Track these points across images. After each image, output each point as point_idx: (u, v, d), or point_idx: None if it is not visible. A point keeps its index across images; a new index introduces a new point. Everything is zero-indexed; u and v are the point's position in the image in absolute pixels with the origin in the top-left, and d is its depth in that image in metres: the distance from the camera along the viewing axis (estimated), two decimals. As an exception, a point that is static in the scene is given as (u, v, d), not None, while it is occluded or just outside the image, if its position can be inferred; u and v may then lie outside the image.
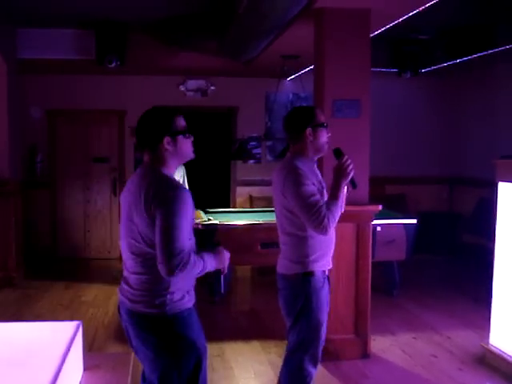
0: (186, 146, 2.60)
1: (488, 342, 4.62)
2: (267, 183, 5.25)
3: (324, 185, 3.20)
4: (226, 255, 2.68)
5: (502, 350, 4.45)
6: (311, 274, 3.10)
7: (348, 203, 3.66)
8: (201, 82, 8.78)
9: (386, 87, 8.50)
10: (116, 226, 8.77)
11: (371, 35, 4.81)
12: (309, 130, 3.11)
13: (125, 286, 2.64)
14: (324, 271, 3.17)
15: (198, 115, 9.54)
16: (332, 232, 3.14)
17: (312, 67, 6.33)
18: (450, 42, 7.06)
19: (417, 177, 9.12)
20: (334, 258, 4.54)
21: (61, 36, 7.01)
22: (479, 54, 6.71)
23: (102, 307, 6.16)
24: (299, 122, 3.16)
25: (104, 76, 8.38)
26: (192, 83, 8.77)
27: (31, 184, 8.38)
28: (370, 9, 4.59)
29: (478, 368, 4.52)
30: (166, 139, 2.52)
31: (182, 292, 2.52)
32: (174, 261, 2.35)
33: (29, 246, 8.25)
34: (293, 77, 8.42)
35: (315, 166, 3.24)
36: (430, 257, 8.35)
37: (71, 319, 3.12)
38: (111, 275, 7.69)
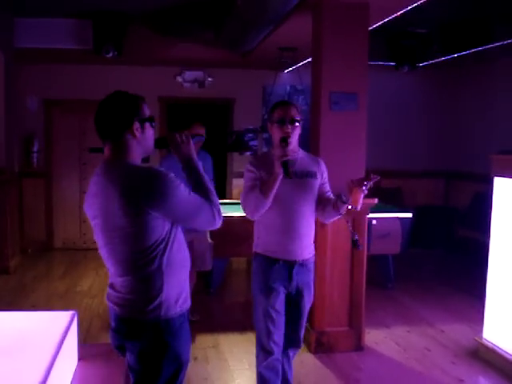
0: (151, 136, 2.37)
1: (481, 336, 4.65)
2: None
3: None
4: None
5: (496, 344, 4.47)
6: (255, 254, 3.32)
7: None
8: (198, 73, 8.77)
9: (383, 81, 8.50)
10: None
11: (369, 28, 4.81)
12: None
13: (113, 292, 2.36)
14: (268, 257, 3.22)
15: (194, 106, 9.55)
16: (280, 218, 3.18)
17: (309, 59, 6.33)
18: (447, 36, 7.05)
19: (413, 171, 9.14)
20: (330, 250, 4.55)
21: (58, 26, 6.97)
22: (476, 49, 6.71)
23: (97, 297, 6.17)
24: None
25: (101, 66, 8.36)
26: (189, 74, 8.75)
27: (27, 174, 8.38)
28: (368, 3, 4.58)
29: (471, 362, 4.55)
30: (136, 125, 2.28)
31: (176, 294, 2.31)
32: (214, 220, 2.37)
33: (24, 236, 8.25)
34: (290, 69, 8.41)
35: None
36: (425, 251, 8.38)
37: (66, 309, 3.13)
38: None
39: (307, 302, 3.32)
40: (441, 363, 4.52)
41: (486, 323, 4.61)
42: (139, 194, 2.16)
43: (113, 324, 2.38)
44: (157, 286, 2.25)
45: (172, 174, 2.23)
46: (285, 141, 3.10)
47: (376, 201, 4.62)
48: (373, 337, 5.02)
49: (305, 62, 7.54)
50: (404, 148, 9.12)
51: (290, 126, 3.16)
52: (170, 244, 2.28)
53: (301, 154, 3.29)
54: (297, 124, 3.18)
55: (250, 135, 8.91)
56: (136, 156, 2.32)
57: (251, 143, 8.93)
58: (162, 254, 2.25)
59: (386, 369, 4.45)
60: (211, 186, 2.43)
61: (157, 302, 2.25)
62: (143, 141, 2.33)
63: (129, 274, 2.27)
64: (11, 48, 7.04)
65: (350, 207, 3.13)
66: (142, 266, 2.24)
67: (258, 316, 3.26)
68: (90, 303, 5.96)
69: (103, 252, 2.37)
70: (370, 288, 4.92)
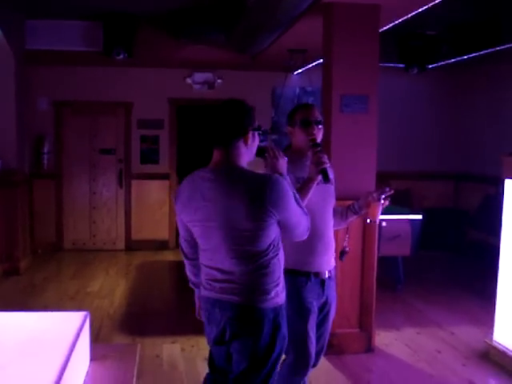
0: (256, 145, 2.56)
1: (492, 339, 4.63)
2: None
3: None
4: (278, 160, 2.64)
5: (506, 346, 4.46)
6: None
7: (354, 198, 3.68)
8: (208, 75, 8.79)
9: (392, 83, 8.48)
10: (121, 217, 8.81)
11: (380, 30, 4.81)
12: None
13: (228, 285, 2.47)
14: (298, 271, 3.11)
15: (204, 108, 9.56)
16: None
17: (319, 61, 6.34)
18: (456, 38, 7.04)
19: (422, 172, 9.12)
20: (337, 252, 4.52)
21: (69, 27, 7.01)
22: (486, 51, 6.69)
23: (107, 298, 6.20)
24: None
25: (111, 68, 8.40)
26: (199, 76, 8.77)
27: (38, 175, 8.42)
28: (379, 5, 4.58)
29: (482, 364, 4.54)
30: (249, 133, 2.47)
31: (282, 283, 2.54)
32: (307, 231, 2.56)
33: (35, 237, 8.29)
34: (300, 71, 8.41)
35: None
36: (435, 253, 8.36)
37: (77, 309, 3.14)
38: (116, 266, 7.76)
39: (333, 314, 3.23)
40: (451, 365, 4.51)
41: (497, 325, 4.59)
42: (265, 197, 2.33)
43: (229, 314, 2.48)
44: (275, 278, 2.47)
45: (287, 181, 2.46)
46: (317, 145, 2.92)
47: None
48: (383, 339, 5.02)
49: (315, 63, 7.55)
50: (414, 150, 9.10)
51: (315, 128, 3.01)
52: (280, 242, 2.52)
53: None
54: (320, 126, 3.05)
55: (261, 137, 8.90)
56: (244, 162, 2.49)
57: (261, 144, 8.92)
58: (278, 250, 2.49)
59: (397, 371, 4.45)
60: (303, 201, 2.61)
61: (274, 292, 2.46)
62: (251, 148, 2.52)
63: (252, 269, 2.43)
64: (22, 49, 7.09)
65: (368, 221, 3.10)
66: (264, 261, 2.43)
67: (295, 336, 2.98)
68: (100, 304, 5.99)
69: (215, 254, 2.49)
70: (379, 290, 4.91)
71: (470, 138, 9.01)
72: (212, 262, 2.53)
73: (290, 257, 2.92)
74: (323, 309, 3.13)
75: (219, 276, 2.51)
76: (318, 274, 3.06)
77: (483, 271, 6.83)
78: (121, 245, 8.86)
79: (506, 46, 6.46)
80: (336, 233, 3.22)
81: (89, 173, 8.78)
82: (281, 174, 2.57)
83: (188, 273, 2.82)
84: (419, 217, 6.33)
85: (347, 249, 3.28)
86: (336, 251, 3.22)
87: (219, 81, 8.82)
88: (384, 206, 3.03)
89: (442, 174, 9.23)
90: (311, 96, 8.71)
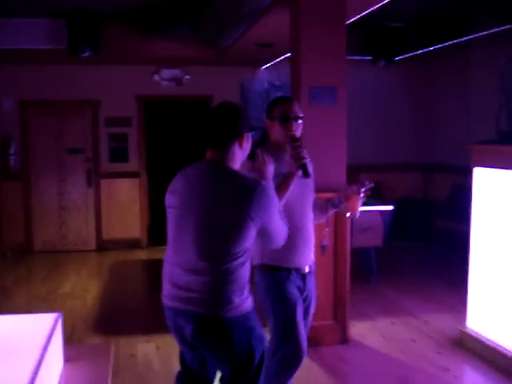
0: (249, 146, 2.58)
1: (465, 326, 4.69)
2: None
3: None
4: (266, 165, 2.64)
5: (479, 332, 4.52)
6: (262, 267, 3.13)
7: (326, 190, 3.69)
8: (175, 72, 8.72)
9: (360, 75, 8.52)
10: (91, 217, 8.70)
11: (346, 23, 4.82)
12: None
13: (190, 293, 2.43)
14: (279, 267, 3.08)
15: (172, 105, 9.52)
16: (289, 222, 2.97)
17: (287, 55, 6.33)
18: (423, 29, 7.10)
19: (392, 164, 9.19)
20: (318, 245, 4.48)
21: (32, 25, 6.88)
22: (452, 42, 6.76)
23: (79, 299, 6.12)
24: None
25: (77, 66, 8.28)
26: (166, 72, 8.70)
27: (5, 176, 8.28)
28: (345, -4, 4.60)
29: (456, 351, 4.59)
30: (246, 135, 2.50)
31: (248, 290, 2.51)
32: (282, 241, 2.61)
33: (3, 239, 8.15)
34: (268, 65, 8.40)
35: None
36: (406, 243, 8.44)
37: (49, 312, 3.08)
38: (88, 267, 7.67)
39: (313, 309, 3.21)
40: (426, 353, 4.56)
41: (470, 312, 4.65)
42: (250, 203, 2.35)
43: (195, 325, 2.44)
44: (240, 286, 2.43)
45: (270, 187, 2.48)
46: (296, 139, 2.89)
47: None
48: (358, 329, 5.04)
49: (283, 57, 7.54)
50: (383, 142, 9.17)
51: (294, 124, 2.96)
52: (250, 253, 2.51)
53: None
54: (300, 121, 2.99)
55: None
56: (237, 164, 2.52)
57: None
58: (247, 258, 2.47)
59: (372, 361, 4.47)
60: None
61: (239, 300, 2.43)
62: (245, 150, 2.54)
63: (217, 272, 2.39)
64: (-15, 49, 6.94)
65: (348, 214, 3.11)
66: (232, 266, 2.40)
67: (284, 328, 3.00)
68: (72, 305, 5.91)
69: (188, 251, 2.45)
70: (353, 281, 4.93)
71: (438, 129, 9.12)
72: (177, 257, 2.50)
73: (270, 253, 2.90)
74: (304, 303, 3.09)
75: (182, 278, 2.46)
76: (298, 270, 3.04)
77: (454, 259, 6.92)
78: (92, 245, 8.75)
79: (471, 37, 6.55)
80: (316, 226, 3.21)
81: (57, 173, 8.64)
82: (267, 180, 2.58)
83: None
84: (390, 208, 6.38)
85: (327, 242, 3.28)
86: (316, 245, 3.22)
87: (187, 77, 8.76)
88: (363, 199, 3.02)
89: (412, 165, 9.32)
90: (280, 90, 8.69)
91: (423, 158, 9.29)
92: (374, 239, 6.32)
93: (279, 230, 2.53)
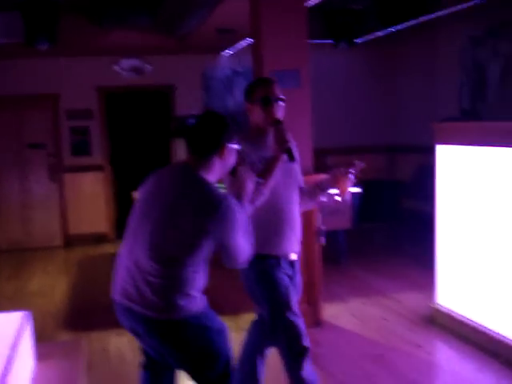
0: (232, 160, 2.53)
1: (435, 302, 4.76)
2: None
3: None
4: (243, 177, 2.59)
5: (449, 308, 4.59)
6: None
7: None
8: (136, 61, 8.59)
9: (323, 59, 8.52)
10: (56, 213, 8.56)
11: (306, 5, 4.80)
12: None
13: (139, 292, 2.41)
14: (267, 255, 2.98)
15: (134, 95, 9.39)
16: (274, 208, 2.91)
17: (248, 41, 6.29)
18: (382, 10, 7.11)
19: (358, 146, 9.24)
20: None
21: (-15, 19, 6.70)
22: (413, 22, 6.79)
23: (48, 296, 6.02)
24: None
25: (35, 59, 8.10)
26: (127, 62, 8.57)
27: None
28: (304, -22, 4.57)
29: (428, 327, 4.66)
30: (226, 148, 2.45)
31: (200, 292, 2.49)
32: (242, 264, 2.56)
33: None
34: (229, 52, 8.34)
35: None
36: (374, 224, 8.52)
37: (17, 310, 3.02)
38: (56, 263, 7.56)
39: (298, 294, 3.17)
40: (398, 331, 4.61)
41: (439, 289, 4.72)
42: (210, 220, 2.33)
43: (145, 327, 2.45)
44: (187, 291, 2.40)
45: (235, 204, 2.39)
46: (279, 122, 2.82)
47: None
48: (330, 311, 5.07)
49: (244, 43, 7.49)
50: (348, 125, 9.20)
51: (275, 106, 2.87)
52: (205, 265, 2.47)
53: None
54: (281, 103, 2.91)
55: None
56: (214, 175, 2.48)
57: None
58: (200, 269, 2.43)
59: (346, 342, 4.50)
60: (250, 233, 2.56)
61: (186, 302, 2.40)
62: (226, 163, 2.50)
63: (165, 276, 2.37)
64: None
65: (338, 198, 2.96)
66: (181, 272, 2.37)
67: (279, 315, 2.92)
68: (41, 303, 5.81)
69: (138, 246, 2.44)
70: (323, 264, 4.95)
71: (402, 110, 9.19)
72: (131, 253, 2.48)
73: (258, 241, 2.78)
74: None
75: (132, 275, 2.44)
76: (286, 256, 2.96)
77: (421, 238, 6.99)
78: (58, 241, 8.61)
79: (431, 16, 6.58)
80: (308, 213, 3.13)
81: (18, 170, 8.45)
82: (243, 198, 2.55)
83: None
84: (358, 190, 6.41)
85: (323, 227, 3.20)
86: (311, 233, 3.14)
87: (148, 66, 8.64)
88: (353, 180, 2.92)
89: (378, 146, 9.38)
90: (242, 76, 8.66)
91: (388, 139, 9.36)
92: (343, 221, 6.35)
93: (240, 249, 2.47)
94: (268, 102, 2.86)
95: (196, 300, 2.44)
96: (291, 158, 2.77)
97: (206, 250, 2.40)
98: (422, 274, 5.90)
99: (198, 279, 2.45)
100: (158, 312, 2.38)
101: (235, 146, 2.51)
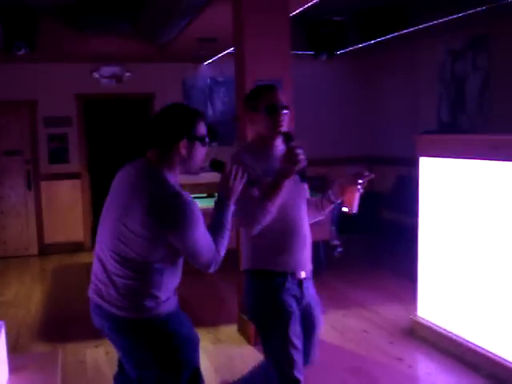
0: (200, 156, 2.39)
1: (416, 314, 4.74)
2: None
3: None
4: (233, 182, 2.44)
5: (430, 320, 4.58)
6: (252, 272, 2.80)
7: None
8: (115, 69, 8.51)
9: (304, 70, 8.51)
10: (32, 221, 8.42)
11: (290, 15, 4.79)
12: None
13: (106, 289, 2.38)
14: (273, 271, 2.75)
15: (113, 103, 9.30)
16: (283, 223, 2.70)
17: (230, 51, 6.26)
18: (363, 23, 7.16)
19: (337, 157, 9.24)
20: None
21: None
22: (393, 35, 6.84)
23: (22, 306, 5.89)
24: None
25: (13, 64, 7.97)
26: (106, 70, 8.48)
27: None
28: (287, -12, 4.56)
29: (408, 340, 4.64)
30: (183, 142, 2.31)
31: (169, 294, 2.41)
32: (210, 266, 2.39)
33: None
34: (210, 61, 8.32)
35: None
36: (353, 236, 8.51)
37: (-9, 320, 2.93)
38: (31, 272, 7.42)
39: (321, 320, 2.90)
40: (379, 344, 4.59)
41: (420, 301, 4.71)
42: (160, 217, 2.22)
43: (102, 321, 2.44)
44: (153, 291, 2.33)
45: (198, 207, 2.25)
46: (290, 137, 2.64)
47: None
48: (310, 324, 5.03)
49: (225, 52, 7.46)
50: (328, 136, 9.21)
51: (281, 113, 2.67)
52: (171, 264, 2.39)
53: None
54: (286, 111, 2.70)
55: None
56: (175, 171, 2.36)
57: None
58: (164, 269, 2.35)
59: (325, 354, 4.43)
60: (228, 235, 2.44)
61: (153, 303, 2.34)
62: (188, 159, 2.35)
63: (128, 275, 2.32)
64: None
65: (345, 209, 2.76)
66: (141, 268, 2.31)
67: (275, 343, 2.68)
68: (15, 313, 5.68)
69: (103, 241, 2.42)
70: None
71: (382, 121, 9.23)
72: (99, 252, 2.46)
73: (264, 256, 2.67)
74: (306, 315, 2.79)
75: (100, 273, 2.42)
76: (294, 274, 2.71)
77: (400, 250, 7.02)
78: (34, 250, 8.46)
79: (410, 30, 6.64)
80: (319, 227, 2.96)
81: (-6, 176, 8.32)
82: (229, 198, 2.43)
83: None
84: (337, 201, 6.39)
85: (337, 241, 3.03)
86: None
87: (128, 74, 8.57)
88: (361, 192, 2.73)
89: (357, 157, 9.39)
90: (223, 86, 8.63)
91: (368, 151, 9.39)
92: (322, 233, 6.33)
93: (201, 248, 2.33)
94: (274, 110, 2.67)
95: (164, 302, 2.38)
96: (303, 179, 2.62)
97: (165, 250, 2.31)
98: (401, 286, 5.90)
99: (166, 281, 2.37)
100: (123, 311, 2.35)
101: (201, 141, 2.38)
